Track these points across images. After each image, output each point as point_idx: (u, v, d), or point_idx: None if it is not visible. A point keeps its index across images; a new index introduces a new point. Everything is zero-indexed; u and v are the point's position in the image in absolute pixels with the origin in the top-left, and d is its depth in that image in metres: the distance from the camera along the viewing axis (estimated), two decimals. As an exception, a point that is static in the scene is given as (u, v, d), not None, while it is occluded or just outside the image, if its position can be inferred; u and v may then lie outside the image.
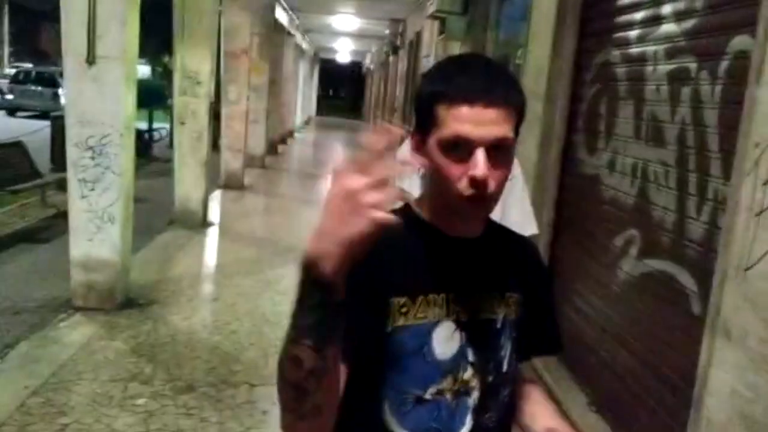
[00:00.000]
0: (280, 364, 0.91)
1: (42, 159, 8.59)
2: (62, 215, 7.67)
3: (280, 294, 5.49)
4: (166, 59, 15.61)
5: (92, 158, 4.63)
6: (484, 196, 1.06)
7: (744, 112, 2.36)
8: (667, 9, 3.36)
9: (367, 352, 1.06)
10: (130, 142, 4.92)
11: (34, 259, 6.09)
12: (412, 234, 1.13)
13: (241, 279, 5.96)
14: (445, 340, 1.11)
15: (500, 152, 1.05)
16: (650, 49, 3.48)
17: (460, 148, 1.04)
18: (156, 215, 7.73)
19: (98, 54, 4.51)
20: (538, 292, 1.28)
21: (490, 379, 1.16)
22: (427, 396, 1.11)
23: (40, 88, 20.76)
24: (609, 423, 3.60)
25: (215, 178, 9.80)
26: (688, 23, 3.14)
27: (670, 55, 3.27)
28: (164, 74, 14.79)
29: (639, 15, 3.66)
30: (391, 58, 19.15)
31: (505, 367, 1.18)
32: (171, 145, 15.16)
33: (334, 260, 0.83)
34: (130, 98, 4.78)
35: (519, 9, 6.18)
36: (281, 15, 15.53)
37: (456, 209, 1.10)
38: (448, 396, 1.12)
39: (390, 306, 1.08)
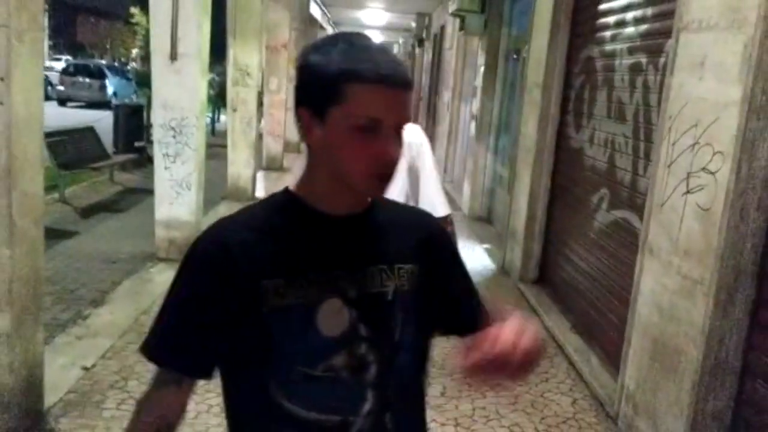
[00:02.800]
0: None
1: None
2: (128, 191, 8.89)
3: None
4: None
5: (173, 136, 5.73)
6: (390, 175, 1.10)
7: (664, 94, 3.34)
8: (630, 15, 4.32)
9: (241, 337, 1.11)
10: (203, 123, 6.02)
11: (117, 224, 7.24)
12: (290, 217, 1.15)
13: (288, 241, 7.04)
14: (332, 317, 1.11)
15: (400, 133, 1.10)
16: (618, 47, 4.45)
17: (370, 129, 1.05)
18: (209, 191, 8.82)
19: (179, 52, 5.59)
20: (444, 264, 1.27)
21: (386, 351, 1.15)
22: (317, 373, 1.10)
23: (88, 80, 22.03)
24: (585, 340, 4.60)
25: (258, 160, 10.89)
26: (642, 27, 4.11)
27: (631, 52, 4.24)
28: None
29: (612, 19, 4.63)
30: (417, 51, 20.07)
31: (396, 337, 1.16)
32: (213, 132, 16.34)
33: None
34: (203, 87, 5.88)
35: (528, 6, 7.08)
36: (315, 10, 16.59)
37: (359, 187, 1.10)
38: (345, 373, 1.11)
39: (261, 289, 1.09)
